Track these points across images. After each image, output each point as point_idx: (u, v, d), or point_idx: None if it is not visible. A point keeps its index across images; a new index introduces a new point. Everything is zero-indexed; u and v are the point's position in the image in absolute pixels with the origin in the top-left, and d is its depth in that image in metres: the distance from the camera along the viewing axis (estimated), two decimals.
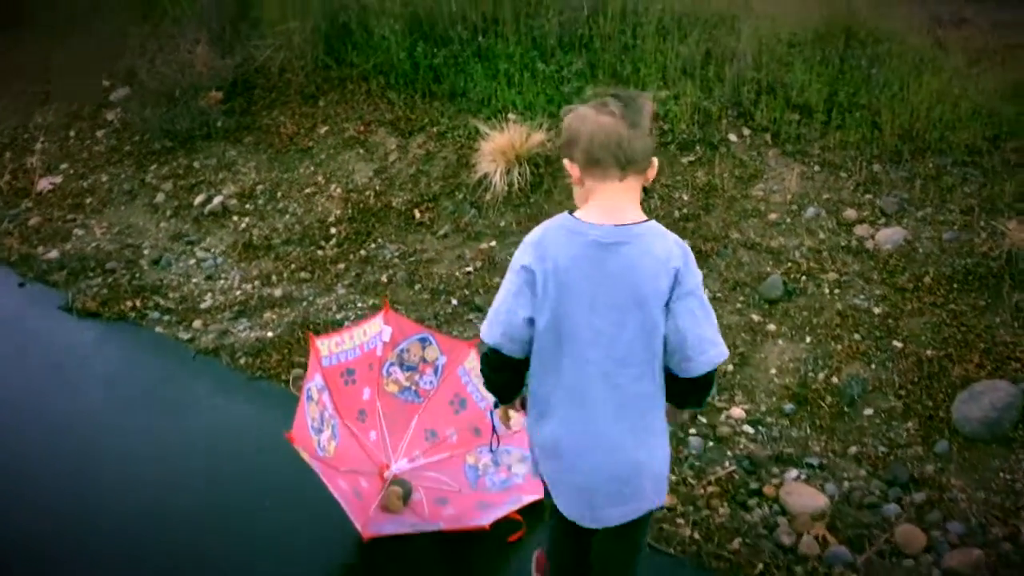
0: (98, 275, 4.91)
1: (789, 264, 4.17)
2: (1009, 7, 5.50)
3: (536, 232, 1.96)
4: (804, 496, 3.06)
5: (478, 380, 3.18)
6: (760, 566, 2.82)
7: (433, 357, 3.25)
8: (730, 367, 3.72)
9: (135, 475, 3.30)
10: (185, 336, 4.29)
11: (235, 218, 5.29)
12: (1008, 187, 4.25)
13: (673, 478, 3.17)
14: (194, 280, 4.80)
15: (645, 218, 1.93)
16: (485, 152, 4.93)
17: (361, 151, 5.51)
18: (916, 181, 4.43)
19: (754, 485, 3.16)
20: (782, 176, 4.63)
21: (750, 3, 5.55)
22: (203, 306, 4.54)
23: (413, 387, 3.24)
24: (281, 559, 2.88)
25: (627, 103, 1.88)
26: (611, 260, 1.88)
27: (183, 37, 6.37)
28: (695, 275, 1.91)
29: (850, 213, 4.36)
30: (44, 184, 5.98)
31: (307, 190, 5.36)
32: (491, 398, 2.23)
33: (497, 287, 2.03)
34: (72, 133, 6.51)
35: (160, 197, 5.60)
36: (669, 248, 1.89)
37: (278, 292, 4.58)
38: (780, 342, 3.83)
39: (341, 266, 4.75)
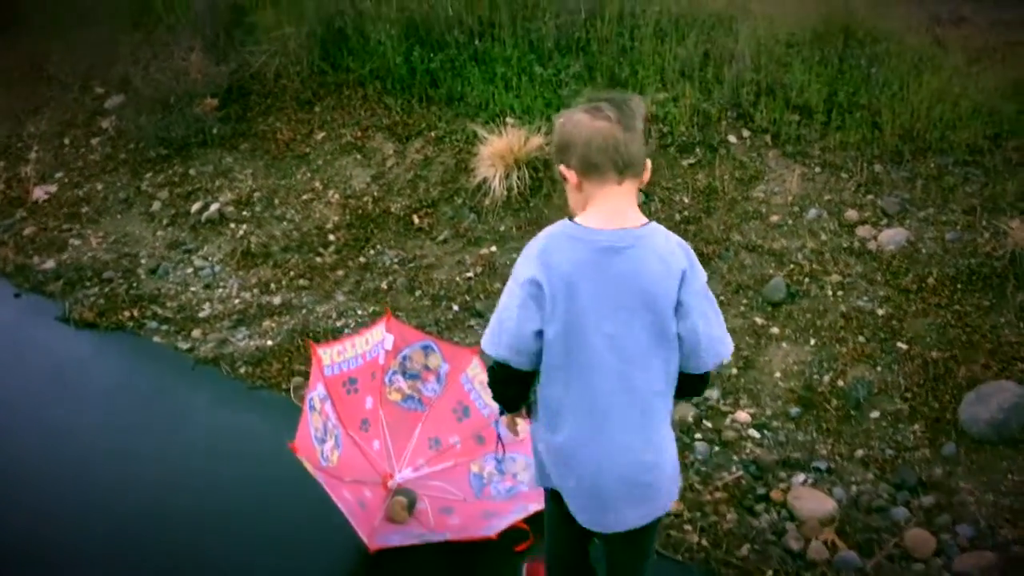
0: (95, 285, 4.86)
1: (791, 266, 4.15)
2: (1008, 5, 5.50)
3: (539, 242, 1.92)
4: (812, 501, 3.04)
5: (481, 388, 3.16)
6: (769, 572, 2.80)
7: (436, 365, 3.23)
8: (734, 371, 3.70)
9: (135, 475, 3.29)
10: (184, 345, 4.25)
11: (232, 226, 5.25)
12: (1010, 186, 4.24)
13: (680, 484, 3.14)
14: (192, 289, 4.76)
15: (646, 220, 1.93)
16: (483, 156, 4.90)
17: (359, 157, 5.48)
18: (917, 181, 4.42)
19: (761, 490, 3.14)
20: (783, 177, 4.61)
21: (748, 4, 5.53)
22: (202, 315, 4.50)
23: (416, 395, 3.21)
24: (282, 560, 2.86)
25: (620, 107, 1.87)
26: (617, 264, 1.87)
27: (177, 44, 6.33)
28: (700, 274, 1.93)
29: (852, 214, 4.34)
30: (39, 193, 5.92)
31: (305, 196, 5.33)
32: (496, 406, 2.22)
33: (498, 292, 2.01)
34: (66, 141, 6.46)
35: (156, 205, 5.55)
36: (673, 249, 1.90)
37: (277, 300, 4.55)
38: (784, 345, 3.80)
39: (340, 273, 4.72)
